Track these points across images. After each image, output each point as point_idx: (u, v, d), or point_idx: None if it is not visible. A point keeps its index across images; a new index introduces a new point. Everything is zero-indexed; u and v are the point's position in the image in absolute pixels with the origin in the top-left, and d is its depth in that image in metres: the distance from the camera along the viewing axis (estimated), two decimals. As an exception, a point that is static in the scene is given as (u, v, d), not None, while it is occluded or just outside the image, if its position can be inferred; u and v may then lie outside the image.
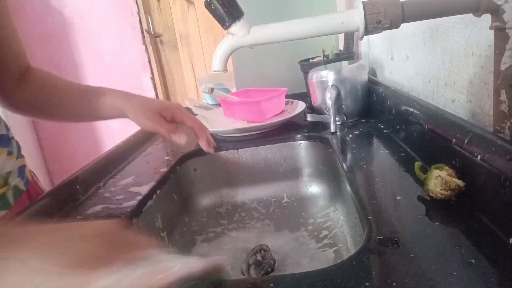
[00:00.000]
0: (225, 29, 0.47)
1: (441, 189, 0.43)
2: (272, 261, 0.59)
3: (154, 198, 0.64)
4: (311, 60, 1.09)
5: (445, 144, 0.49)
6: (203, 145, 0.63)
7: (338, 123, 0.83)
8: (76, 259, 0.27)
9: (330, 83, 0.83)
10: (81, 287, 0.25)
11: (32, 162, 2.67)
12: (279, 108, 0.95)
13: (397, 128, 0.68)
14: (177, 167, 0.78)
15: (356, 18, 0.43)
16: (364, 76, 0.86)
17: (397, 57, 0.84)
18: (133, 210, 0.57)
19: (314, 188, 0.82)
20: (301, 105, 0.95)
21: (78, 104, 0.65)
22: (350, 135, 0.76)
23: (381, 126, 0.78)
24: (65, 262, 0.26)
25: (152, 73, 2.72)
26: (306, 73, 1.00)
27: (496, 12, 0.40)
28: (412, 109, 0.62)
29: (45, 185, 0.72)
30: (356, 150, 0.67)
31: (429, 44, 0.65)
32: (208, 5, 0.46)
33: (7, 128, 0.62)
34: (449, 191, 0.43)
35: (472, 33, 0.51)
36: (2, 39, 0.58)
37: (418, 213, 0.43)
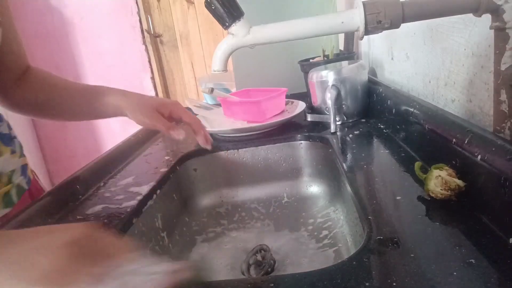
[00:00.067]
0: (225, 29, 0.47)
1: (441, 189, 0.43)
2: (272, 261, 0.59)
3: (154, 198, 0.64)
4: (311, 60, 1.09)
5: (445, 144, 0.49)
6: (201, 141, 0.64)
7: (338, 123, 0.83)
8: (36, 276, 0.25)
9: (330, 83, 0.83)
10: None
11: (32, 162, 2.67)
12: (279, 108, 0.95)
13: (397, 128, 0.68)
14: (177, 167, 0.78)
15: (356, 18, 0.43)
16: (364, 76, 0.86)
17: (397, 57, 0.84)
18: (133, 210, 0.57)
19: (314, 188, 0.82)
20: (301, 105, 0.95)
21: (77, 103, 0.65)
22: (350, 135, 0.76)
23: (381, 126, 0.78)
24: (25, 279, 0.25)
25: (152, 73, 2.72)
26: (306, 73, 1.00)
27: (496, 12, 0.40)
28: (412, 109, 0.62)
29: (45, 185, 0.72)
30: (356, 150, 0.67)
31: (429, 44, 0.65)
32: (208, 5, 0.46)
33: (10, 128, 0.63)
34: (449, 191, 0.43)
35: (472, 33, 0.51)
36: (3, 40, 0.59)
37: (418, 213, 0.43)
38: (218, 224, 0.76)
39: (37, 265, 0.26)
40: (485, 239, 0.36)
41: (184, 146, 0.86)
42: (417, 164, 0.49)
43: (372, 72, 1.04)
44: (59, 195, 0.61)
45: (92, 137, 2.84)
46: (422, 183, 0.47)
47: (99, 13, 2.59)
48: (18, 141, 0.65)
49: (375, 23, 0.43)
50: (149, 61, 2.70)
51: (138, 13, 2.60)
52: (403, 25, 0.43)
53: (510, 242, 0.35)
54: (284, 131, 0.86)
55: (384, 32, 0.45)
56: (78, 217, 0.56)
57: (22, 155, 0.64)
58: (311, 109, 0.94)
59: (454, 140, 0.47)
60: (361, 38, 0.45)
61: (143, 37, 2.65)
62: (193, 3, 2.66)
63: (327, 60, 1.03)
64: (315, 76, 0.87)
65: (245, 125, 0.88)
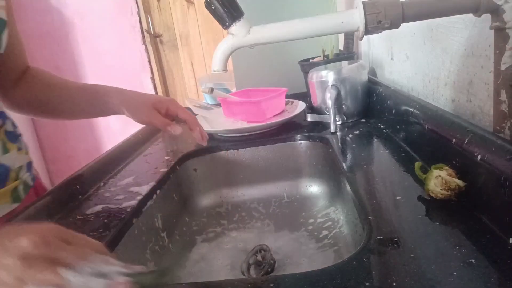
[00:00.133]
0: (225, 29, 0.47)
1: (441, 189, 0.43)
2: (272, 261, 0.59)
3: (154, 198, 0.64)
4: (311, 60, 1.09)
5: (445, 144, 0.49)
6: (197, 137, 0.64)
7: (338, 123, 0.83)
8: None
9: (330, 83, 0.83)
10: None
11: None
12: (279, 108, 0.95)
13: (397, 128, 0.68)
14: (177, 167, 0.78)
15: (356, 18, 0.43)
16: (364, 76, 0.86)
17: (397, 57, 0.84)
18: (133, 210, 0.57)
19: (314, 188, 0.82)
20: (301, 105, 0.95)
21: (76, 103, 0.66)
22: (350, 135, 0.76)
23: (381, 126, 0.78)
24: None
25: (152, 73, 2.72)
26: (306, 73, 1.00)
27: (496, 12, 0.40)
28: (412, 109, 0.62)
29: (45, 185, 0.72)
30: (356, 150, 0.67)
31: (429, 44, 0.65)
32: (208, 5, 0.46)
33: (15, 126, 0.63)
34: (449, 191, 0.43)
35: (472, 33, 0.51)
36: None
37: (418, 213, 0.43)
38: (218, 224, 0.76)
39: None
40: (485, 239, 0.36)
41: (184, 146, 0.86)
42: (417, 164, 0.49)
43: (372, 72, 1.04)
44: (59, 195, 0.61)
45: (92, 137, 2.84)
46: (422, 183, 0.47)
47: (99, 13, 2.59)
48: (23, 139, 0.65)
49: (375, 23, 0.43)
50: (149, 61, 2.70)
51: (138, 13, 2.60)
52: (403, 25, 0.43)
53: (510, 242, 0.35)
54: (284, 131, 0.86)
55: (384, 32, 0.45)
56: (78, 217, 0.56)
57: (27, 152, 0.65)
58: (311, 109, 0.94)
59: (454, 140, 0.47)
60: (361, 38, 0.45)
61: (143, 37, 2.65)
62: (193, 3, 2.66)
63: (327, 60, 1.03)
64: (315, 76, 0.87)
65: (245, 125, 0.88)
